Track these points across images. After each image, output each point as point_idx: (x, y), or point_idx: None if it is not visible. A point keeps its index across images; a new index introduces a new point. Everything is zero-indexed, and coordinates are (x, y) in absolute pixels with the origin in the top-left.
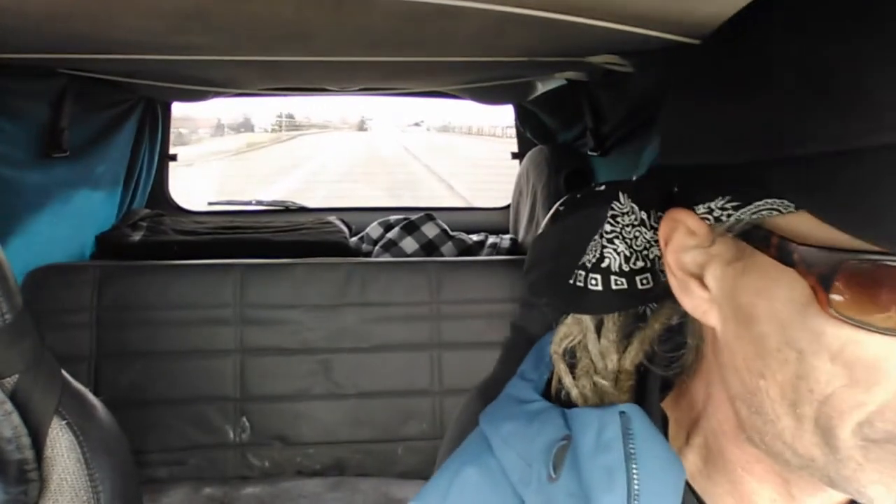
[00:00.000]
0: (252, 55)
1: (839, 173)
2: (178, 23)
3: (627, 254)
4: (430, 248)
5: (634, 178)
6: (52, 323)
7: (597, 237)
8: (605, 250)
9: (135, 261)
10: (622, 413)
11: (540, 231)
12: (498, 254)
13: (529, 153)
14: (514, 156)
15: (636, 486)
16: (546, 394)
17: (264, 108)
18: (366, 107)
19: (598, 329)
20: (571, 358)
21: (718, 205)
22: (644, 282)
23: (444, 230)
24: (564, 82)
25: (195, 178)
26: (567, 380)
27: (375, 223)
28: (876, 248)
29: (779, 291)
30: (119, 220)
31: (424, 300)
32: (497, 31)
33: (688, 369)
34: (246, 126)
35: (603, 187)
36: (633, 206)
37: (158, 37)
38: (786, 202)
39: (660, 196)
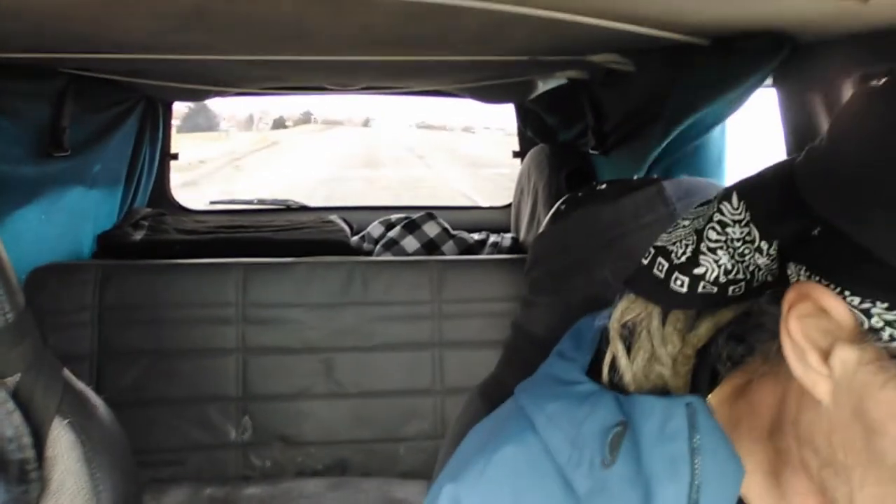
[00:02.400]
0: (252, 55)
1: None
2: (179, 22)
3: (729, 266)
4: (431, 246)
5: (742, 180)
6: (53, 322)
7: (689, 234)
8: (702, 257)
9: (136, 260)
10: (688, 405)
11: (541, 230)
12: (499, 253)
13: (530, 152)
14: (516, 154)
15: (698, 479)
16: (590, 375)
17: (282, 106)
18: (372, 105)
19: (664, 312)
20: (629, 336)
21: (879, 310)
22: (736, 290)
23: (445, 229)
24: (565, 81)
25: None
26: (623, 361)
27: (377, 222)
28: None
29: None
30: (120, 220)
31: (426, 299)
32: (498, 30)
33: (748, 369)
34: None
35: (604, 186)
36: (755, 230)
37: (159, 36)
38: None
39: (792, 233)
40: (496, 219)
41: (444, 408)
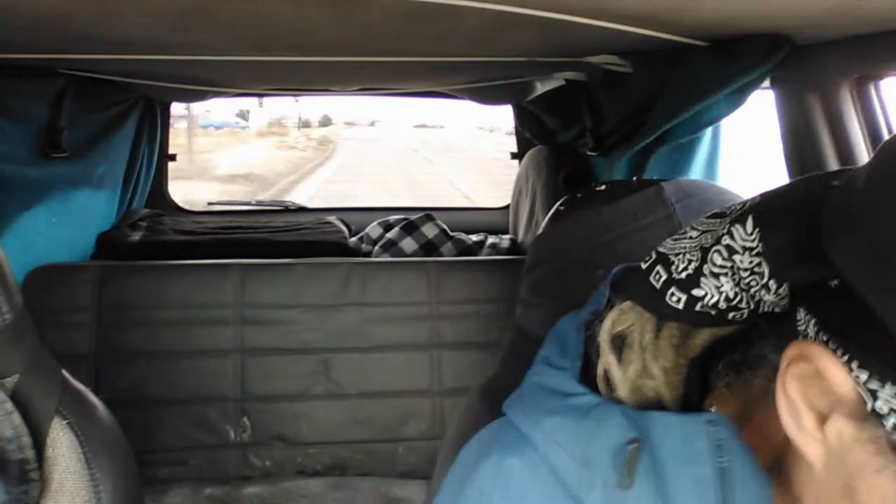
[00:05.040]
0: (252, 55)
1: None
2: (178, 22)
3: (732, 295)
4: (429, 248)
5: (762, 199)
6: (52, 323)
7: (694, 249)
8: (703, 280)
9: (134, 261)
10: (710, 422)
11: (540, 231)
12: (497, 254)
13: (529, 153)
14: (514, 156)
15: (728, 501)
16: (583, 383)
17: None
18: (376, 107)
19: (658, 325)
20: (620, 349)
21: (890, 392)
22: (737, 316)
23: (443, 230)
24: (564, 82)
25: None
26: (617, 374)
27: (375, 223)
28: None
29: None
30: (118, 220)
31: (424, 300)
32: (496, 30)
33: (748, 392)
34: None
35: (603, 187)
36: (766, 265)
37: (158, 36)
38: None
39: (809, 277)
40: (494, 220)
41: (442, 408)
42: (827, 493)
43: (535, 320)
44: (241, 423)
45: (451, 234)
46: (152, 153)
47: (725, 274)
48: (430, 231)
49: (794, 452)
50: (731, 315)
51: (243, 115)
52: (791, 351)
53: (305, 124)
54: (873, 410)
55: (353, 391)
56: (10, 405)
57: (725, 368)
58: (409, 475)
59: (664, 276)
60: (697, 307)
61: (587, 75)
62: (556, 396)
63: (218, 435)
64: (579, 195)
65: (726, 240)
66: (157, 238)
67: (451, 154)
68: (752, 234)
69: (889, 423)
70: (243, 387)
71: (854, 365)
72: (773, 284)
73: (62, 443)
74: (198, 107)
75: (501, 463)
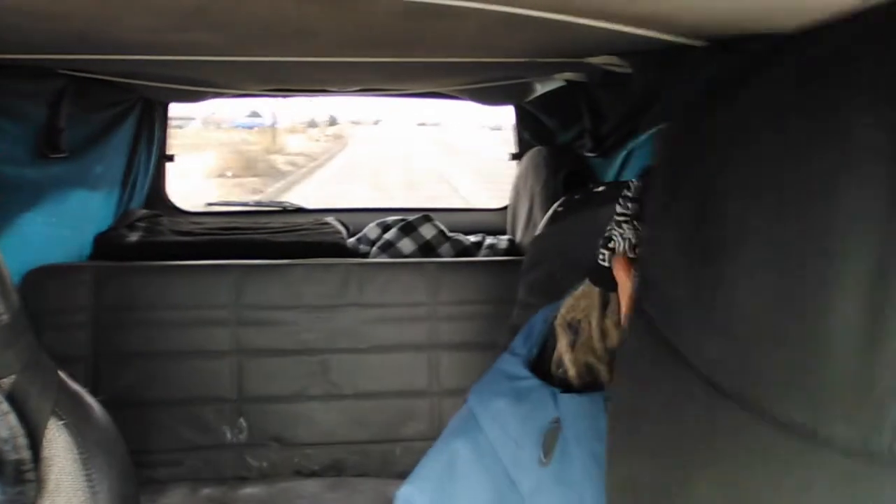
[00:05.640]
0: (251, 55)
1: None
2: (178, 21)
3: (633, 240)
4: (427, 249)
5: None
6: (49, 323)
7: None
8: (614, 232)
9: (132, 261)
10: (608, 399)
11: (539, 232)
12: (495, 255)
13: (528, 154)
14: (513, 157)
15: None
16: (536, 368)
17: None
18: (380, 107)
19: (605, 308)
20: (574, 333)
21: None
22: None
23: (441, 231)
24: (563, 83)
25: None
26: (567, 357)
27: (373, 224)
28: None
29: None
30: (116, 221)
31: (422, 301)
32: (496, 31)
33: None
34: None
35: (602, 189)
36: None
37: (157, 36)
38: None
39: None
40: (493, 221)
41: (440, 409)
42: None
43: None
44: (238, 423)
45: (450, 234)
46: (150, 154)
47: (627, 221)
48: (428, 232)
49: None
50: None
51: (255, 114)
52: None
53: (312, 124)
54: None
55: (351, 392)
56: (6, 406)
57: None
58: (406, 476)
59: (599, 249)
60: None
61: (587, 76)
62: (507, 379)
63: (215, 436)
64: (577, 196)
65: (624, 191)
66: (155, 239)
67: (449, 149)
68: (637, 189)
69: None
70: (240, 387)
71: None
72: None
73: (58, 443)
74: (229, 109)
75: (449, 446)
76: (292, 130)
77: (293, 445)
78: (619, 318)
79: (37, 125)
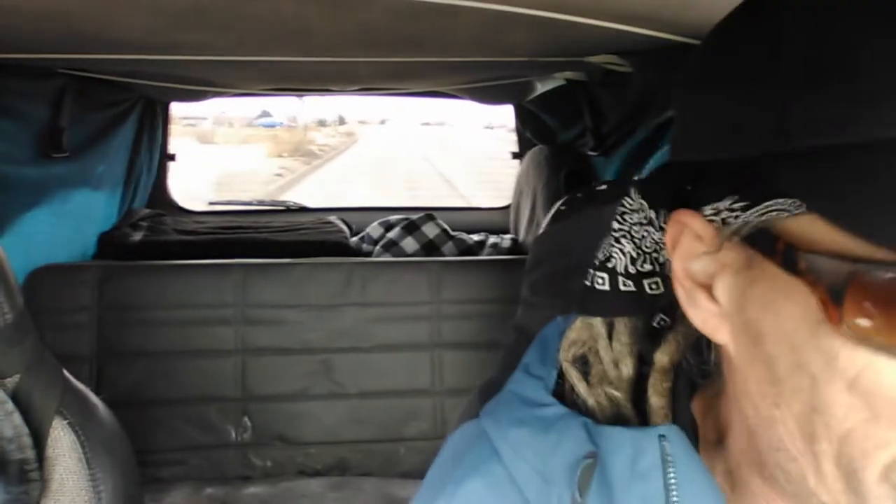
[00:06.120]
0: (252, 55)
1: (846, 166)
2: (178, 21)
3: (634, 255)
4: (430, 247)
5: (638, 178)
6: (53, 323)
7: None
8: (612, 249)
9: (135, 261)
10: (661, 436)
11: (541, 231)
12: (498, 254)
13: (529, 153)
14: (515, 156)
15: None
16: (557, 394)
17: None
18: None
19: (610, 335)
20: (583, 365)
21: (725, 205)
22: (653, 286)
23: (444, 230)
24: (564, 82)
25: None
26: (581, 387)
27: (376, 223)
28: (893, 258)
29: (787, 306)
30: (119, 220)
31: (425, 300)
32: (496, 30)
33: (715, 384)
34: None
35: (604, 187)
36: (643, 203)
37: (158, 36)
38: (795, 202)
39: (670, 194)
40: (495, 220)
41: (443, 408)
42: (747, 363)
43: (536, 320)
44: (242, 422)
45: (453, 233)
46: (153, 153)
47: (625, 235)
48: (431, 231)
49: (724, 370)
50: (647, 284)
51: (266, 114)
52: (669, 229)
53: (323, 123)
54: (725, 224)
55: (354, 391)
56: (10, 405)
57: (693, 354)
58: (409, 475)
59: (592, 272)
60: (620, 285)
61: (587, 75)
62: (527, 406)
63: (218, 435)
64: (580, 195)
65: (619, 208)
66: (159, 238)
67: (449, 146)
68: (634, 200)
69: (737, 223)
70: (244, 387)
71: (705, 211)
72: (652, 213)
73: (63, 443)
74: (240, 108)
75: (461, 485)
76: (307, 128)
77: (297, 444)
78: (631, 344)
79: (38, 125)
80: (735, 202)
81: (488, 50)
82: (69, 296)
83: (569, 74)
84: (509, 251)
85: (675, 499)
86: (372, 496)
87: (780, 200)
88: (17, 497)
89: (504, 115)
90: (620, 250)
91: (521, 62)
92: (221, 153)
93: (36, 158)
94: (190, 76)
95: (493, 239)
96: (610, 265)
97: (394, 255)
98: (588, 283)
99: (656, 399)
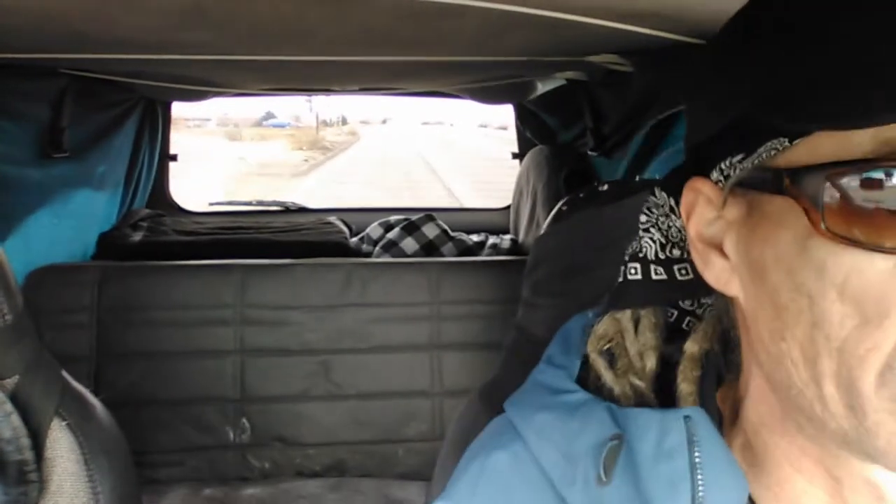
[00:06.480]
0: (252, 55)
1: (803, 75)
2: (178, 21)
3: (663, 241)
4: (430, 248)
5: (639, 178)
6: (52, 323)
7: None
8: (642, 240)
9: (135, 261)
10: (686, 417)
11: (542, 231)
12: (498, 254)
13: (530, 153)
14: (515, 156)
15: (700, 496)
16: (580, 383)
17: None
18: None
19: (636, 330)
20: (609, 358)
21: (728, 163)
22: (683, 272)
23: (444, 231)
24: (564, 82)
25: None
26: (608, 376)
27: (376, 224)
28: (859, 157)
29: (781, 233)
30: (119, 221)
31: (425, 301)
32: (497, 30)
33: (735, 373)
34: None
35: (605, 187)
36: (664, 194)
37: (158, 35)
38: (782, 140)
39: (685, 180)
40: (495, 220)
41: (442, 409)
42: (756, 307)
43: (536, 321)
44: (241, 423)
45: (452, 234)
46: (153, 153)
47: (654, 225)
48: (430, 231)
49: (739, 336)
50: (677, 270)
51: (270, 115)
52: (683, 199)
53: (327, 123)
54: (728, 179)
55: (353, 392)
56: (9, 406)
57: (722, 347)
58: (408, 476)
59: (627, 261)
60: (652, 273)
61: (588, 75)
62: (551, 393)
63: (217, 436)
64: (581, 195)
65: (646, 204)
66: (158, 238)
67: (449, 144)
68: (659, 195)
69: (737, 173)
70: (243, 388)
71: (712, 175)
72: (671, 201)
73: (61, 444)
74: (252, 111)
75: (490, 457)
76: (319, 127)
77: (295, 445)
78: (655, 338)
79: (39, 125)
80: (736, 159)
81: (489, 50)
82: (69, 296)
83: (569, 74)
84: (509, 252)
85: (700, 478)
86: (371, 497)
87: (772, 142)
88: (16, 498)
89: (496, 114)
90: (650, 239)
91: (522, 62)
92: (251, 149)
93: (37, 159)
94: (191, 76)
95: (492, 239)
96: (641, 254)
97: (393, 256)
98: (621, 278)
99: (685, 385)
